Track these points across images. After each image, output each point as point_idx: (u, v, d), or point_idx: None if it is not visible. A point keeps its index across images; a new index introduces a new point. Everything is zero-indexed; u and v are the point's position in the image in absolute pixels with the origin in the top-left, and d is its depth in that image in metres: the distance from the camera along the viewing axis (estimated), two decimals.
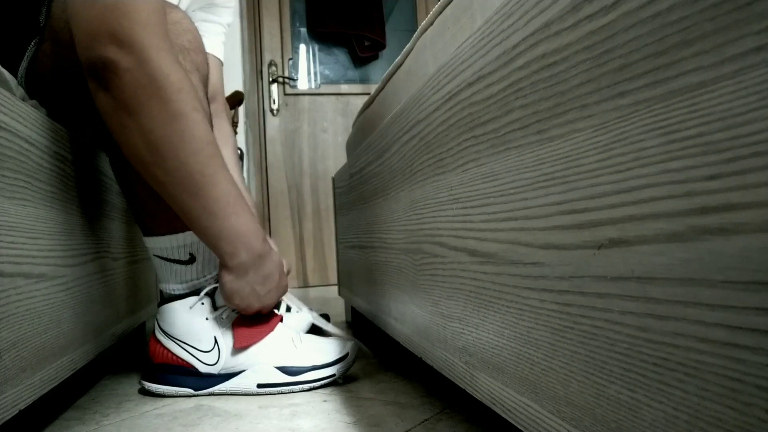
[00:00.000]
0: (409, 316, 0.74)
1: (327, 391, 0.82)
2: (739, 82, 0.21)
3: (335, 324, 1.48)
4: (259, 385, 0.82)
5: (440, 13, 0.67)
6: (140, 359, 1.12)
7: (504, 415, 0.46)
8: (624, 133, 0.29)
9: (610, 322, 0.31)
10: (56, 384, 0.65)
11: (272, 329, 0.85)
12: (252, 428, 0.67)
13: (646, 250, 0.27)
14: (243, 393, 0.82)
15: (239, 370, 0.83)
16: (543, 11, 0.36)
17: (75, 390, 0.88)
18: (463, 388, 0.56)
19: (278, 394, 0.82)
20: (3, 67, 0.77)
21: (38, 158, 0.63)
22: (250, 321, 0.84)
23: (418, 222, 0.67)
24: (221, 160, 0.71)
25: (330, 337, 0.89)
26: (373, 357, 1.04)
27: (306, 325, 1.28)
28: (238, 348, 0.82)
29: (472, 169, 0.49)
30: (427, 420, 0.66)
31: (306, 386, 0.82)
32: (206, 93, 0.84)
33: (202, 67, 0.82)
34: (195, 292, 0.84)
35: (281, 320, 0.88)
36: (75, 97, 0.78)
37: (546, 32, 0.35)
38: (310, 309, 1.33)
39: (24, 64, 0.80)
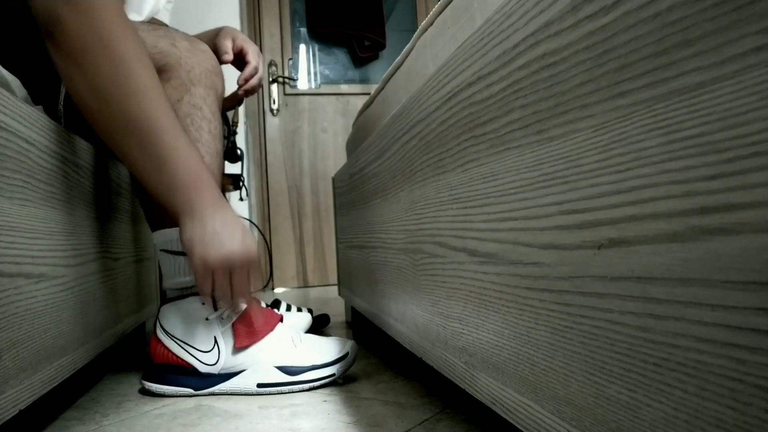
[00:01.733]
0: (409, 316, 0.74)
1: (327, 391, 0.82)
2: (739, 82, 0.21)
3: (335, 324, 1.48)
4: (259, 385, 0.82)
5: (440, 13, 0.67)
6: (140, 359, 1.12)
7: (504, 415, 0.46)
8: (624, 133, 0.29)
9: (610, 322, 0.31)
10: (56, 384, 0.65)
11: (272, 328, 0.85)
12: (252, 428, 0.67)
13: (646, 250, 0.27)
14: (243, 393, 0.82)
15: (239, 369, 0.83)
16: (543, 11, 0.36)
17: (75, 390, 0.88)
18: (463, 388, 0.56)
19: (278, 394, 0.82)
20: (43, 89, 0.82)
21: (38, 158, 0.63)
22: (250, 321, 0.84)
23: (418, 222, 0.67)
24: (167, 108, 0.71)
25: (330, 337, 0.89)
26: (373, 357, 1.04)
27: (306, 325, 1.28)
28: (238, 348, 0.82)
29: (472, 169, 0.49)
30: (427, 420, 0.66)
31: (306, 386, 0.82)
32: (220, 107, 0.90)
33: (219, 88, 0.90)
34: (197, 293, 0.84)
35: (281, 320, 0.88)
36: None
37: (546, 32, 0.35)
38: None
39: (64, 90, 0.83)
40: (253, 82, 1.10)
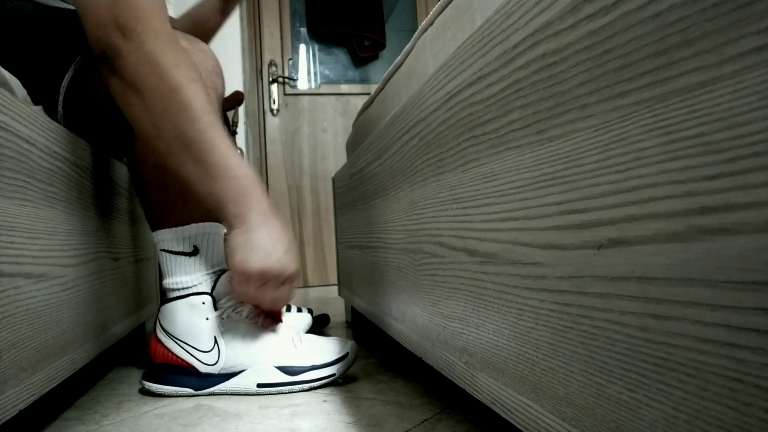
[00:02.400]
0: (409, 316, 0.74)
1: (327, 391, 0.82)
2: (739, 82, 0.21)
3: (335, 324, 1.48)
4: (259, 385, 0.82)
5: (440, 13, 0.67)
6: (140, 359, 1.12)
7: (504, 415, 0.46)
8: (624, 133, 0.29)
9: (610, 322, 0.31)
10: (56, 384, 0.65)
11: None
12: (252, 428, 0.67)
13: (646, 250, 0.27)
14: (243, 393, 0.82)
15: (239, 369, 0.83)
16: (543, 11, 0.36)
17: (75, 390, 0.88)
18: (463, 388, 0.56)
19: (278, 394, 0.82)
20: (42, 89, 0.83)
21: (38, 158, 0.63)
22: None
23: (418, 222, 0.67)
24: (219, 128, 0.75)
25: (330, 337, 0.89)
26: (373, 357, 1.04)
27: (306, 325, 1.28)
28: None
29: (472, 169, 0.49)
30: (427, 420, 0.66)
31: (306, 386, 0.82)
32: (220, 107, 0.91)
33: (220, 88, 0.91)
34: (197, 293, 0.84)
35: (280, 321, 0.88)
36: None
37: (546, 32, 0.35)
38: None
39: (66, 79, 0.84)
40: None
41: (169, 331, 0.84)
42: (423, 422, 0.66)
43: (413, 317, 0.72)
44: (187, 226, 0.85)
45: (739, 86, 0.21)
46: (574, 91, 0.33)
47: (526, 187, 0.39)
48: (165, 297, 0.87)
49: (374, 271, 0.97)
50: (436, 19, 0.69)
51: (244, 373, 0.82)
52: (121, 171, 1.04)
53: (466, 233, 0.51)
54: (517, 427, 0.44)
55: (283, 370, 0.82)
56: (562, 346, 0.36)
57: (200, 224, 0.86)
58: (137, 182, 0.90)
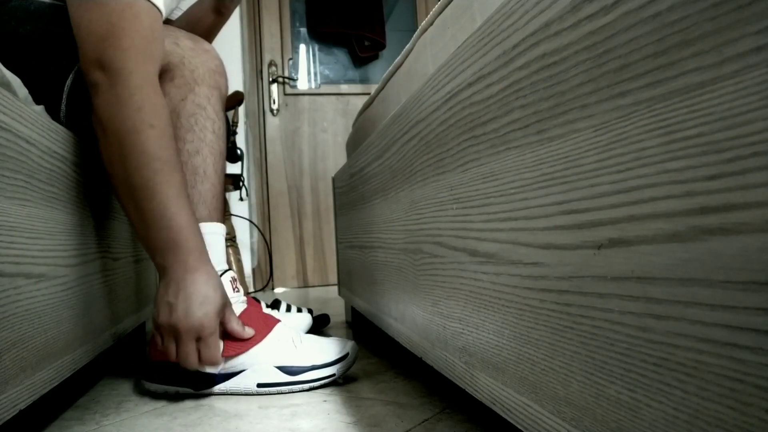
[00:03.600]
0: (409, 316, 0.74)
1: (327, 391, 0.82)
2: (739, 82, 0.21)
3: (335, 324, 1.48)
4: (259, 385, 0.82)
5: (440, 13, 0.68)
6: (140, 359, 1.12)
7: (504, 415, 0.46)
8: (624, 133, 0.29)
9: (610, 322, 0.31)
10: (56, 384, 0.65)
11: (269, 331, 0.85)
12: (252, 428, 0.67)
13: (646, 250, 0.27)
14: (243, 393, 0.82)
15: (239, 369, 0.83)
16: (543, 11, 0.36)
17: (75, 390, 0.88)
18: (463, 388, 0.56)
19: (278, 393, 0.82)
20: (45, 88, 0.84)
21: (38, 158, 0.63)
22: (246, 324, 0.84)
23: (418, 222, 0.67)
24: (168, 176, 0.75)
25: (330, 338, 0.89)
26: (373, 357, 1.04)
27: (306, 326, 1.28)
28: (226, 357, 0.82)
29: (472, 169, 0.49)
30: (427, 420, 0.66)
31: (306, 386, 0.82)
32: (223, 107, 0.92)
33: (223, 88, 0.92)
34: None
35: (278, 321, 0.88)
36: None
37: (546, 32, 0.35)
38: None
39: (70, 78, 0.84)
40: None
41: None
42: (423, 422, 0.66)
43: (413, 317, 0.72)
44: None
45: (739, 86, 0.21)
46: (574, 91, 0.33)
47: (526, 187, 0.39)
48: None
49: (374, 271, 0.97)
50: (436, 19, 0.69)
51: (244, 372, 0.82)
52: None
53: (466, 233, 0.51)
54: (517, 427, 0.44)
55: (284, 370, 0.82)
56: (562, 346, 0.36)
57: (204, 224, 0.85)
58: None
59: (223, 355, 0.82)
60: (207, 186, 0.87)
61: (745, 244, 0.22)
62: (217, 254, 0.87)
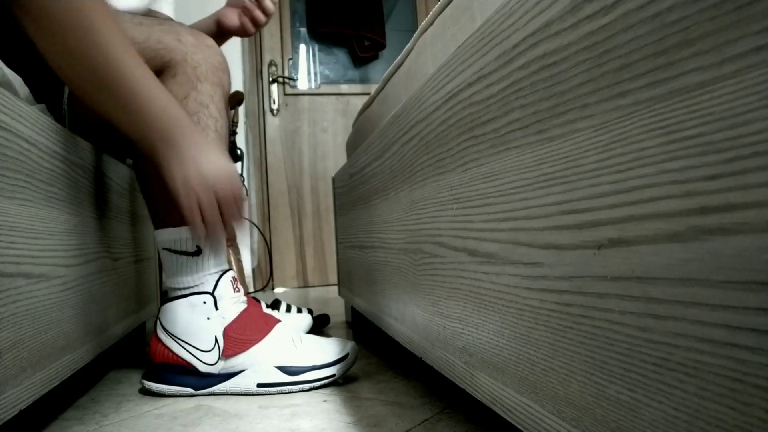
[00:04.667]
0: (409, 316, 0.74)
1: (327, 391, 0.82)
2: (739, 82, 0.21)
3: (335, 324, 1.48)
4: (259, 385, 0.82)
5: (440, 13, 0.68)
6: (140, 359, 1.12)
7: (504, 415, 0.46)
8: (624, 133, 0.29)
9: (610, 322, 0.31)
10: (56, 384, 0.65)
11: (269, 331, 0.85)
12: (252, 428, 0.67)
13: (646, 250, 0.27)
14: (243, 393, 0.83)
15: (239, 369, 0.83)
16: (543, 11, 0.36)
17: (75, 390, 0.88)
18: (463, 388, 0.56)
19: (278, 393, 0.82)
20: (46, 87, 0.83)
21: (38, 158, 0.63)
22: (243, 328, 0.84)
23: (418, 222, 0.67)
24: (136, 59, 0.71)
25: (331, 338, 0.89)
26: (373, 357, 1.04)
27: (306, 326, 1.28)
28: (226, 356, 0.82)
29: (472, 169, 0.49)
30: (427, 420, 0.66)
31: (306, 386, 0.82)
32: (226, 104, 0.91)
33: (226, 84, 0.91)
34: (197, 292, 0.84)
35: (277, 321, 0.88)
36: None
37: (546, 32, 0.35)
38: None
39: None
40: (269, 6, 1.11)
41: (169, 330, 0.84)
42: (423, 422, 0.66)
43: (413, 317, 0.72)
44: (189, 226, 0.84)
45: (739, 86, 0.21)
46: (574, 91, 0.33)
47: (526, 187, 0.39)
48: (166, 296, 0.87)
49: (374, 271, 0.97)
50: (436, 19, 0.69)
51: (244, 372, 0.82)
52: (121, 171, 1.04)
53: (466, 233, 0.51)
54: (517, 427, 0.44)
55: (283, 370, 0.82)
56: (562, 346, 0.36)
57: None
58: (142, 181, 0.90)
59: (222, 355, 0.82)
60: None
61: (745, 244, 0.22)
62: (221, 255, 0.87)
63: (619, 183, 0.29)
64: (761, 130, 0.21)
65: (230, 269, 0.88)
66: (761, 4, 0.20)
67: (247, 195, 2.47)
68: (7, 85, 0.71)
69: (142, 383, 0.85)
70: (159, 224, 0.88)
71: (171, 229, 0.85)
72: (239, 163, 1.93)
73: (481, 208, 0.47)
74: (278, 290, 2.68)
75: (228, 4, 1.18)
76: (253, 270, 2.64)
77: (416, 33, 0.77)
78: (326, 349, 0.85)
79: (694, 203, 0.24)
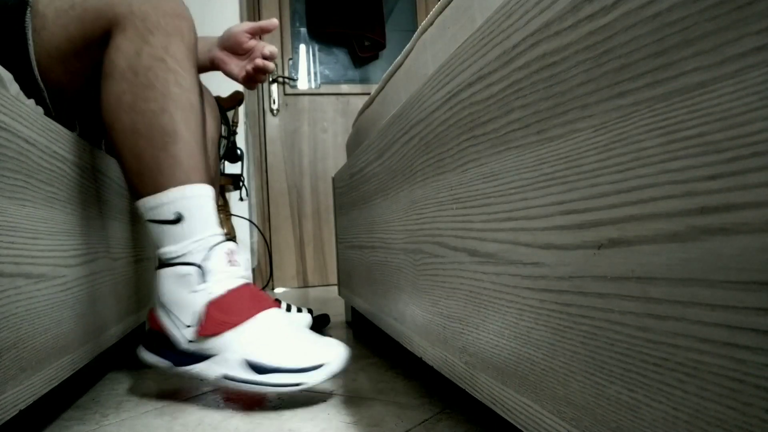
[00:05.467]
0: (409, 316, 0.74)
1: (327, 391, 0.82)
2: (739, 82, 0.21)
3: (335, 324, 1.48)
4: (225, 377, 0.75)
5: (440, 13, 0.68)
6: (140, 359, 1.12)
7: (504, 415, 0.46)
8: (624, 133, 0.29)
9: (610, 322, 0.31)
10: (56, 384, 0.65)
11: (250, 316, 0.77)
12: (253, 428, 0.67)
13: (646, 250, 0.27)
14: (212, 379, 0.77)
15: (211, 354, 0.76)
16: (543, 11, 0.36)
17: (75, 390, 0.88)
18: (463, 388, 0.56)
19: (244, 388, 0.76)
20: (10, 57, 0.81)
21: (38, 158, 0.63)
22: (228, 306, 0.76)
23: (418, 222, 0.67)
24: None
25: (328, 339, 0.81)
26: (373, 357, 1.04)
27: (306, 326, 1.28)
28: (201, 336, 0.75)
29: (472, 169, 0.49)
30: (427, 420, 0.66)
31: (269, 388, 0.74)
32: (190, 54, 0.84)
33: (186, 32, 0.83)
34: (184, 263, 0.78)
35: (277, 306, 0.81)
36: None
37: (546, 32, 0.35)
38: None
39: (32, 52, 0.82)
40: (270, 65, 1.06)
41: (160, 298, 0.79)
42: (423, 422, 0.66)
43: (413, 317, 0.72)
44: (165, 192, 0.78)
45: (739, 86, 0.21)
46: (574, 91, 0.33)
47: (526, 187, 0.39)
48: (159, 262, 0.82)
49: (374, 271, 0.97)
50: (436, 19, 0.69)
51: (214, 358, 0.76)
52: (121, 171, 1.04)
53: (466, 233, 0.51)
54: (517, 427, 0.44)
55: (251, 364, 0.75)
56: (562, 346, 0.36)
57: (179, 188, 0.78)
58: (115, 155, 0.83)
59: (198, 334, 0.76)
60: (180, 146, 0.79)
61: (745, 244, 0.22)
62: (206, 219, 0.80)
63: (619, 183, 0.29)
64: (761, 130, 0.21)
65: (230, 240, 0.81)
66: (761, 4, 0.20)
67: (247, 195, 2.47)
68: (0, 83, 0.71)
69: (138, 350, 0.82)
70: (136, 195, 0.81)
71: (146, 198, 0.79)
72: (239, 163, 1.93)
73: (481, 208, 0.47)
74: (278, 290, 2.68)
75: (223, 48, 1.08)
76: (253, 270, 2.64)
77: (416, 33, 0.77)
78: (308, 352, 0.76)
79: (694, 203, 0.24)
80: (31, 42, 0.81)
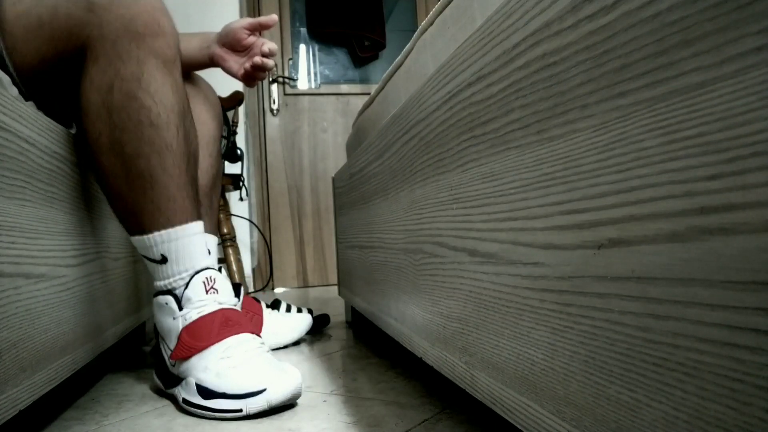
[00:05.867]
0: (409, 316, 0.74)
1: (327, 391, 0.82)
2: (739, 82, 0.21)
3: (335, 324, 1.48)
4: (183, 400, 0.76)
5: (440, 13, 0.67)
6: (140, 359, 1.12)
7: (504, 415, 0.46)
8: (624, 133, 0.29)
9: (610, 322, 0.31)
10: (56, 384, 0.65)
11: (208, 345, 0.76)
12: (252, 428, 0.67)
13: (646, 250, 0.27)
14: (180, 402, 0.77)
15: (182, 377, 0.78)
16: (543, 11, 0.36)
17: (75, 390, 0.88)
18: (463, 388, 0.56)
19: (197, 414, 0.74)
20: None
21: (38, 158, 0.63)
22: (196, 332, 0.77)
23: (418, 222, 0.67)
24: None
25: (281, 366, 0.76)
26: (374, 357, 1.04)
27: (306, 326, 1.28)
28: (173, 359, 0.78)
29: (472, 169, 0.49)
30: (427, 420, 0.66)
31: (213, 414, 0.72)
32: (172, 71, 0.80)
33: (164, 49, 0.78)
34: (162, 292, 0.81)
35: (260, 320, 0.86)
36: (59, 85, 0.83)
37: (546, 32, 0.35)
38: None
39: (12, 69, 0.81)
40: (269, 62, 1.02)
41: (155, 324, 0.85)
42: (423, 422, 0.66)
43: (413, 317, 0.72)
44: (149, 236, 0.79)
45: (739, 86, 0.21)
46: (574, 91, 0.33)
47: (526, 187, 0.39)
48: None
49: (374, 271, 0.97)
50: (436, 19, 0.69)
51: (183, 382, 0.77)
52: None
53: (466, 233, 0.51)
54: (517, 427, 0.44)
55: (200, 389, 0.74)
56: (562, 346, 0.36)
57: (164, 232, 0.78)
58: (101, 186, 0.83)
59: (170, 358, 0.79)
60: (157, 191, 0.77)
61: (745, 244, 0.22)
62: (191, 256, 0.80)
63: (619, 183, 0.29)
64: (761, 130, 0.21)
65: (209, 268, 0.81)
66: (761, 4, 0.20)
67: (247, 195, 2.47)
68: None
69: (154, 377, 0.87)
70: (127, 231, 0.84)
71: (135, 238, 0.81)
72: (239, 163, 1.93)
73: (481, 208, 0.47)
74: (278, 290, 2.68)
75: (222, 44, 1.04)
76: (253, 270, 2.64)
77: (416, 33, 0.77)
78: (253, 377, 0.72)
79: (694, 203, 0.24)
80: (7, 61, 0.79)
